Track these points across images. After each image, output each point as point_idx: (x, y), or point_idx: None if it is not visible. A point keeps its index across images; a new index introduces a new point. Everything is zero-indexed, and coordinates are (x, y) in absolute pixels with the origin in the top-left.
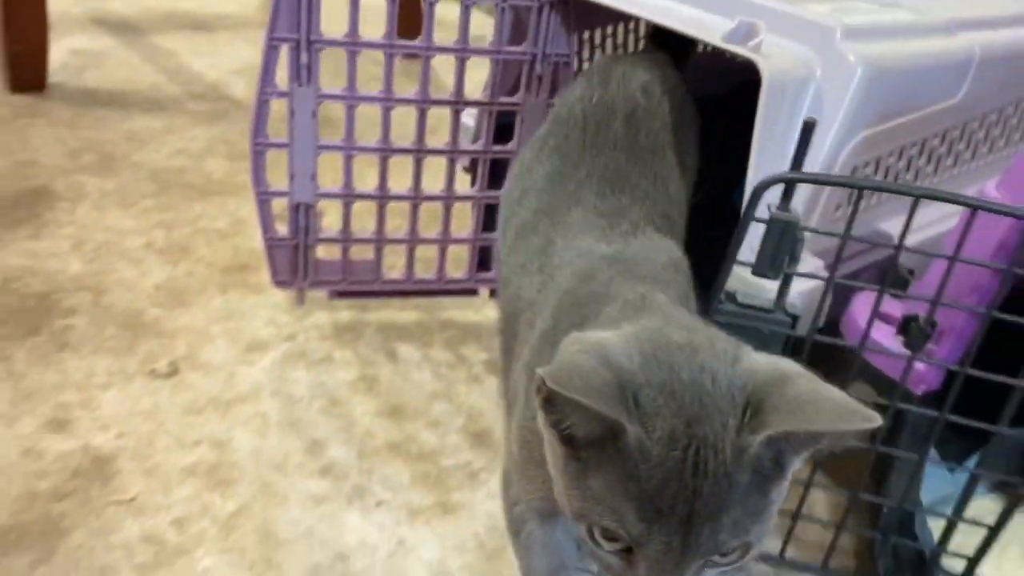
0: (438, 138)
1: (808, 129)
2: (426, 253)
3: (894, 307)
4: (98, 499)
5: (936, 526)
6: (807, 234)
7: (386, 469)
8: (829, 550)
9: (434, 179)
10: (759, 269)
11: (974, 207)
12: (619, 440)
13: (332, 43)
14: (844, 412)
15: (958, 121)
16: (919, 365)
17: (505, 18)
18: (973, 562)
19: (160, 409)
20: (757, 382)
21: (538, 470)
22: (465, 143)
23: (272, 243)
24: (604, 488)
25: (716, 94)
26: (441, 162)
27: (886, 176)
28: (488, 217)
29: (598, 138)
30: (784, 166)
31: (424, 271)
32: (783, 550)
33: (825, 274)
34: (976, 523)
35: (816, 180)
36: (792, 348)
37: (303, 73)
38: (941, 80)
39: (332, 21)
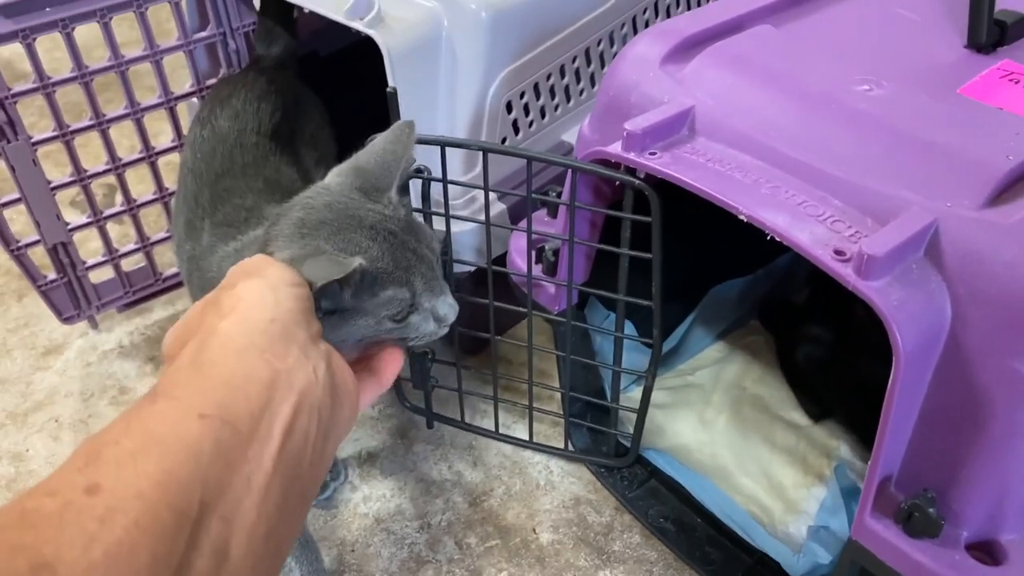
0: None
1: (394, 97)
2: None
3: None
4: None
5: (629, 399)
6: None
7: None
8: (529, 426)
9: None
10: None
11: (528, 157)
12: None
13: (25, 92)
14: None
15: (584, 42)
16: (550, 289)
17: (181, 10)
18: (636, 438)
19: None
20: None
21: None
22: None
23: (45, 288)
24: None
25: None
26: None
27: (551, 96)
28: None
29: (208, 175)
30: (434, 117)
31: None
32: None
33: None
34: (628, 408)
35: None
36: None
37: (7, 131)
38: (562, 7)
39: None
